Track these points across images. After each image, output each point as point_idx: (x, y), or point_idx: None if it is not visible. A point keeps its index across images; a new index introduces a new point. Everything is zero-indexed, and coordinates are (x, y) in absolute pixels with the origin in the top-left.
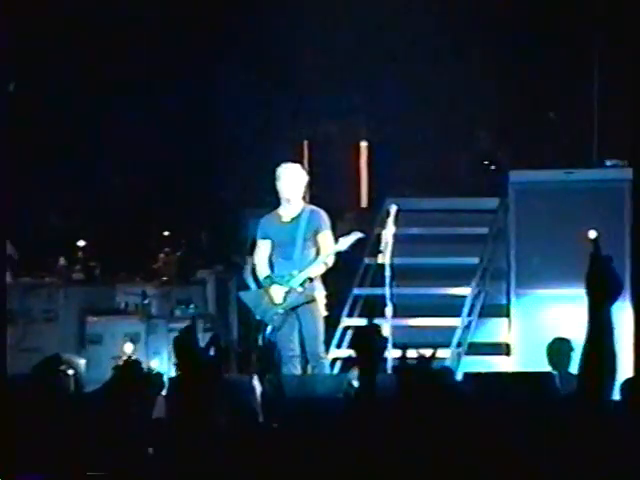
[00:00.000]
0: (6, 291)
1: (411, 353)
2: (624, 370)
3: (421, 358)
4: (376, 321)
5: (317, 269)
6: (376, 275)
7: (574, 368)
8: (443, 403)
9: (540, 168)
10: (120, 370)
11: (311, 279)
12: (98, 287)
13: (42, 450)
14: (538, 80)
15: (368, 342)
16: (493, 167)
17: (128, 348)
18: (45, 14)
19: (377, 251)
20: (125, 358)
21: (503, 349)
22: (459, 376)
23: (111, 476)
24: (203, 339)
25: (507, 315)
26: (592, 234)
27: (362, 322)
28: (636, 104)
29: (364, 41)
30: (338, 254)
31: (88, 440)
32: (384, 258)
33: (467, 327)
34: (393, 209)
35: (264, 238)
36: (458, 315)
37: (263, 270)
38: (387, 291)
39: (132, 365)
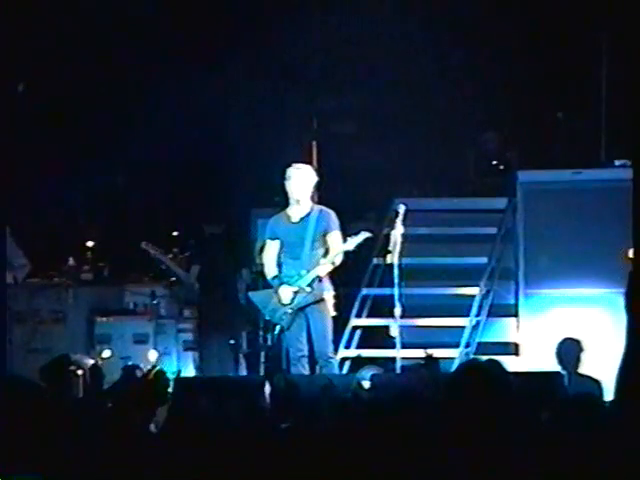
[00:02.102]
0: (6, 292)
1: (418, 353)
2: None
3: (428, 358)
4: (385, 321)
5: (325, 269)
6: (385, 275)
7: (583, 369)
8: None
9: (548, 168)
10: (146, 379)
11: (320, 279)
12: (107, 287)
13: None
14: (546, 80)
15: None
16: (501, 167)
17: (152, 356)
18: (50, 14)
19: (386, 251)
20: (149, 367)
21: (512, 349)
22: None
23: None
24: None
25: (515, 315)
26: (631, 253)
27: (371, 322)
28: (636, 103)
29: (374, 43)
30: (346, 254)
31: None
32: (392, 258)
33: (475, 327)
34: (401, 209)
35: (273, 238)
36: (466, 315)
37: (271, 270)
38: (396, 291)
39: (158, 375)
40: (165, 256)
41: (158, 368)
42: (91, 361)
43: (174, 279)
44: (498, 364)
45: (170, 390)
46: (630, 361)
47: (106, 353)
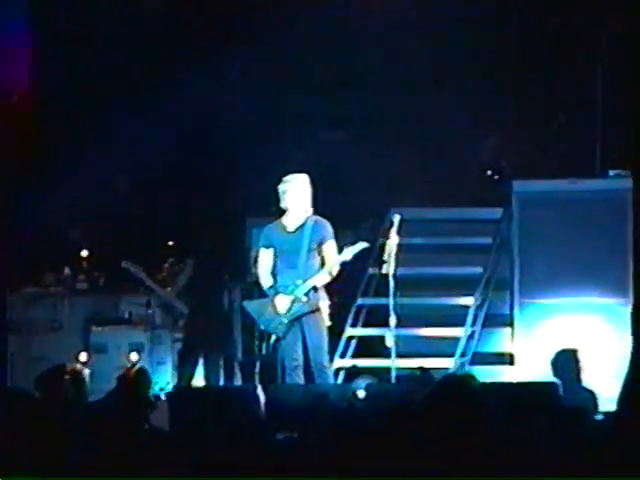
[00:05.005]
0: (6, 300)
1: (413, 362)
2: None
3: (420, 369)
4: (380, 331)
5: (322, 279)
6: (380, 285)
7: (580, 379)
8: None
9: (544, 178)
10: (125, 377)
11: (315, 289)
12: (103, 297)
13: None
14: (542, 90)
15: None
16: (497, 177)
17: (134, 357)
18: (49, 17)
19: (381, 261)
20: (129, 366)
21: (507, 359)
22: None
23: None
24: None
25: (511, 325)
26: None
27: (366, 332)
28: (636, 112)
29: (372, 52)
30: (342, 264)
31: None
32: (388, 268)
33: (471, 337)
34: (396, 219)
35: (267, 246)
36: (462, 325)
37: (266, 280)
38: (391, 301)
39: (138, 373)
40: (145, 274)
41: (138, 367)
42: (87, 370)
43: (170, 289)
44: (472, 377)
45: (163, 397)
46: (634, 380)
47: (83, 356)
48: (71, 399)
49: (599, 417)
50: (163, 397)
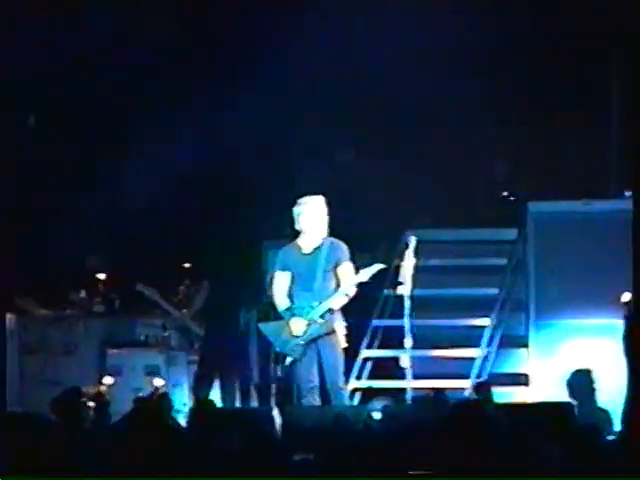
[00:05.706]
0: (5, 321)
1: (429, 384)
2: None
3: (435, 389)
4: (396, 352)
5: (338, 300)
6: (396, 306)
7: (595, 399)
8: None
9: (559, 199)
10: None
11: (331, 310)
12: (118, 319)
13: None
14: (557, 111)
15: None
16: (512, 198)
17: (158, 382)
18: (59, 40)
19: (397, 282)
20: (152, 390)
21: (522, 380)
22: None
23: None
24: None
25: (526, 346)
26: (626, 297)
27: (382, 353)
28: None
29: (387, 72)
30: (358, 285)
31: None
32: (404, 289)
33: (486, 358)
34: (412, 241)
35: (283, 269)
36: (477, 346)
37: (282, 302)
38: (406, 322)
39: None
40: (159, 297)
41: (162, 392)
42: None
43: (186, 311)
44: (482, 403)
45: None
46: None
47: (107, 380)
48: (91, 422)
49: (611, 437)
50: (180, 419)
